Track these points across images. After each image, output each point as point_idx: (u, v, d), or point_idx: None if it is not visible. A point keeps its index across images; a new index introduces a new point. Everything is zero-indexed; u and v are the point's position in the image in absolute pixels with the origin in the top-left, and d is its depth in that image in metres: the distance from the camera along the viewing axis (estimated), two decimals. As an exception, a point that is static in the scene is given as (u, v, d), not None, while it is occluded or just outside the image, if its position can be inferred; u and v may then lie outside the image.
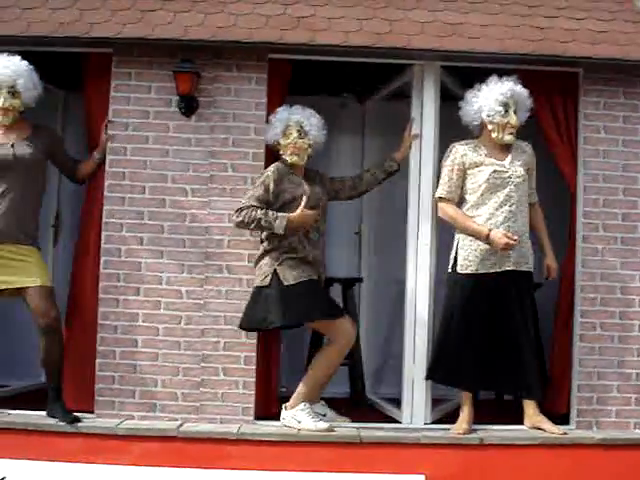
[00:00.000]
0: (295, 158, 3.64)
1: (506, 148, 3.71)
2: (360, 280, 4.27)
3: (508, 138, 3.64)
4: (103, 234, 3.71)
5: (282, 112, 3.67)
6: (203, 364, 3.68)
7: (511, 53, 3.67)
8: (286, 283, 3.52)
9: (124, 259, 3.70)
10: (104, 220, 3.72)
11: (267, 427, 3.61)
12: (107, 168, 3.73)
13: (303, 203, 3.51)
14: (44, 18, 3.71)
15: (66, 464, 3.40)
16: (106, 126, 3.74)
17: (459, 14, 3.87)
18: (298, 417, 3.60)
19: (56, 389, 3.60)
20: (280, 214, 3.50)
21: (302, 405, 3.62)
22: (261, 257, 3.61)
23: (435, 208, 3.76)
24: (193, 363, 3.69)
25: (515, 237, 3.50)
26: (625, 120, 3.79)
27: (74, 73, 3.98)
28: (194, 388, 3.68)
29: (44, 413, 3.61)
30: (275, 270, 3.55)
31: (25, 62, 3.54)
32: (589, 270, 3.75)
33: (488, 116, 3.61)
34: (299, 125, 3.63)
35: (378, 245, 4.63)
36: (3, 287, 3.49)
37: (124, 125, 3.74)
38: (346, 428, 3.63)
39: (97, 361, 3.67)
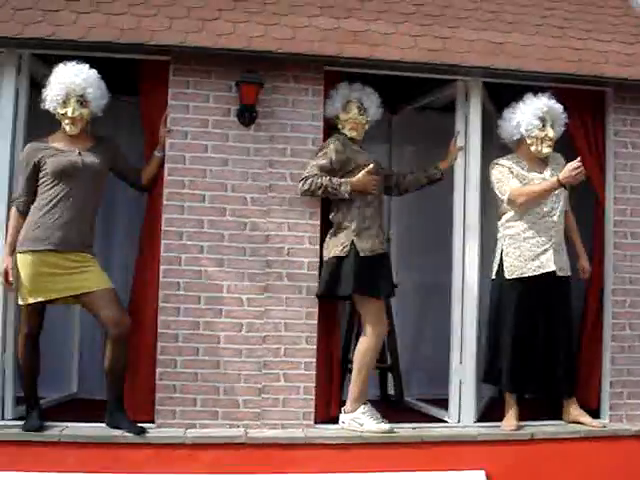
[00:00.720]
0: (354, 133, 3.80)
1: (543, 161, 3.96)
2: (395, 286, 4.43)
3: (546, 151, 3.89)
4: (163, 242, 3.70)
5: (343, 88, 3.84)
6: (264, 370, 3.74)
7: (554, 73, 3.92)
8: (362, 254, 3.66)
9: (184, 267, 3.71)
10: (163, 229, 3.71)
11: (330, 431, 3.72)
12: (166, 176, 3.72)
13: (367, 168, 3.67)
14: (102, 23, 3.65)
15: (136, 476, 3.39)
16: (165, 120, 3.72)
17: (501, 34, 4.08)
18: (360, 420, 3.72)
19: (119, 399, 3.57)
20: (343, 179, 3.65)
21: (362, 408, 3.74)
22: (337, 229, 3.74)
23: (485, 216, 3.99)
24: (254, 370, 3.74)
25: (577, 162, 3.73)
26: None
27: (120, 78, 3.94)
28: (255, 395, 3.73)
29: (102, 424, 3.58)
30: (353, 241, 3.67)
31: (94, 71, 3.50)
32: (620, 275, 4.06)
33: (527, 130, 3.85)
34: (359, 102, 3.81)
35: (406, 251, 4.79)
36: (68, 294, 3.44)
37: (183, 133, 3.74)
38: (403, 429, 3.78)
39: (158, 370, 3.66)
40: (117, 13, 3.72)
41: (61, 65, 3.50)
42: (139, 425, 3.53)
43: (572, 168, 3.71)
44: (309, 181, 3.66)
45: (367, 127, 3.87)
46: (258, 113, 3.77)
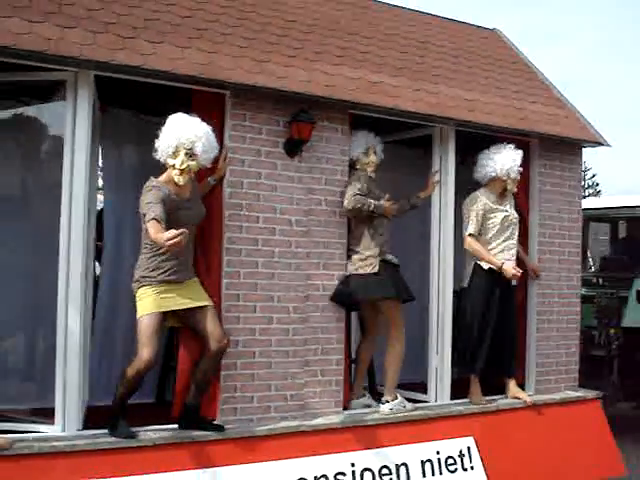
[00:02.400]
0: (373, 174, 4.65)
1: (505, 196, 5.10)
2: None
3: (515, 189, 5.05)
4: (225, 258, 4.13)
5: (365, 135, 4.68)
6: (306, 368, 4.36)
7: (515, 128, 5.09)
8: (386, 267, 4.52)
9: (243, 281, 4.18)
10: (225, 246, 4.14)
11: (363, 415, 4.48)
12: (227, 199, 4.15)
13: (387, 196, 4.57)
14: (175, 56, 3.95)
15: (225, 468, 3.83)
16: (226, 155, 4.13)
17: (469, 92, 5.14)
18: (403, 403, 4.57)
19: (199, 405, 3.95)
20: (377, 202, 4.50)
21: (400, 398, 4.58)
22: (362, 249, 4.53)
23: (457, 238, 5.00)
24: (298, 368, 4.34)
25: (520, 270, 4.92)
26: (562, 178, 5.50)
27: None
28: (299, 389, 4.34)
29: (173, 426, 3.93)
30: (377, 257, 4.51)
31: (205, 124, 3.81)
32: (544, 282, 5.37)
33: (507, 172, 4.95)
34: (375, 148, 4.61)
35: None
36: (185, 307, 3.81)
37: (241, 161, 4.20)
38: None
39: (222, 373, 4.08)
40: (182, 46, 4.04)
41: (173, 116, 3.79)
42: (219, 424, 3.96)
43: (513, 273, 4.85)
44: (360, 200, 4.38)
45: None
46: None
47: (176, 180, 3.78)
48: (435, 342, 4.98)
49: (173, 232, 3.35)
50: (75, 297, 3.77)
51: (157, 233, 3.48)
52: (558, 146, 5.46)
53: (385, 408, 4.55)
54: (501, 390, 5.14)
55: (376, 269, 4.47)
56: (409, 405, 4.62)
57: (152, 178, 3.82)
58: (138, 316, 3.78)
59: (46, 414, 4.02)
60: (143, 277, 3.81)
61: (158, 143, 3.79)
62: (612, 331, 6.86)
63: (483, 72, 5.51)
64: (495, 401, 5.00)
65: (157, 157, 3.82)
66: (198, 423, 3.93)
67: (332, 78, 4.49)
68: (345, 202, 4.43)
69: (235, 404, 4.13)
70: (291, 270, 4.34)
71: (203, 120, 4.04)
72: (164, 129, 3.80)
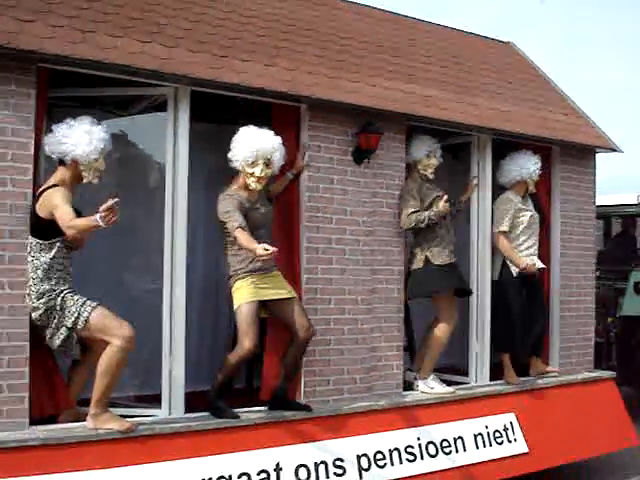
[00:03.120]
0: (432, 175, 5.11)
1: (525, 197, 5.66)
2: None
3: (534, 190, 5.63)
4: (304, 256, 4.59)
5: (428, 139, 5.15)
6: (372, 353, 4.86)
7: (537, 136, 5.65)
8: (437, 263, 4.99)
9: (319, 276, 4.64)
10: (305, 245, 4.59)
11: (416, 395, 5.00)
12: (306, 202, 4.60)
13: (445, 198, 4.98)
14: (262, 74, 4.38)
15: (317, 442, 4.30)
16: (304, 154, 4.59)
17: (502, 103, 5.69)
18: (431, 384, 5.06)
19: (287, 389, 4.40)
20: (431, 211, 4.95)
21: (432, 375, 5.08)
22: (420, 247, 5.04)
23: (491, 235, 5.54)
24: (366, 354, 4.83)
25: (540, 265, 5.51)
26: (579, 181, 6.11)
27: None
28: (366, 373, 4.83)
29: (263, 408, 4.38)
30: (427, 255, 5.00)
31: (278, 137, 4.26)
32: (565, 274, 5.97)
33: (531, 176, 5.52)
34: (436, 152, 5.11)
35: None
36: (278, 297, 4.25)
37: (317, 168, 4.65)
38: (458, 390, 5.20)
39: (304, 359, 4.54)
40: (268, 64, 4.47)
41: (246, 128, 4.23)
42: (305, 404, 4.42)
43: (534, 269, 5.45)
44: (412, 218, 4.87)
45: None
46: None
47: (253, 187, 4.23)
48: (475, 329, 5.53)
49: (266, 248, 3.81)
50: (179, 295, 4.18)
51: (250, 243, 3.94)
52: (576, 152, 6.05)
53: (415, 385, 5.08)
54: (525, 372, 5.72)
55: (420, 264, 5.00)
56: (438, 387, 5.06)
57: (226, 188, 4.27)
58: (236, 306, 4.20)
59: (145, 400, 4.46)
60: (235, 271, 4.24)
61: (234, 153, 4.21)
62: (610, 320, 7.55)
63: (509, 84, 6.08)
64: (528, 382, 5.59)
65: (233, 165, 4.24)
66: (287, 404, 4.38)
67: (392, 93, 4.98)
68: (401, 223, 4.93)
69: (314, 387, 4.59)
70: (359, 266, 4.82)
71: (279, 130, 4.49)
72: (240, 140, 4.21)
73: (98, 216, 3.39)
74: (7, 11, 3.68)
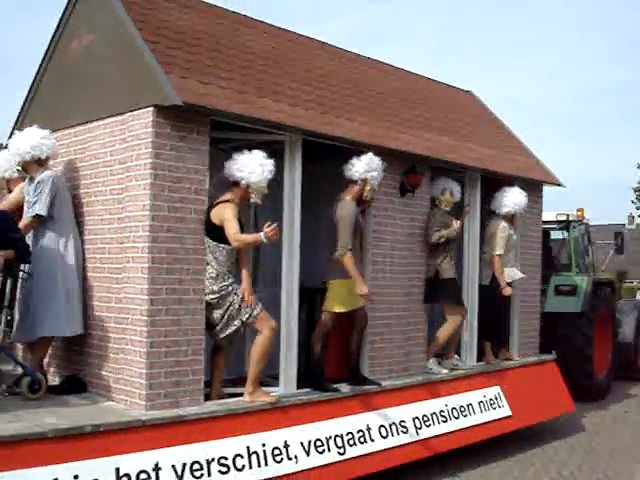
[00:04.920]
0: (447, 208, 6.61)
1: (513, 223, 7.32)
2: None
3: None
4: (369, 267, 5.93)
5: (445, 180, 6.62)
6: (408, 342, 6.30)
7: (516, 175, 7.36)
8: (446, 276, 6.49)
9: (377, 283, 6.00)
10: (371, 259, 5.93)
11: (439, 374, 6.50)
12: (372, 226, 5.94)
13: (458, 223, 6.53)
14: (346, 126, 5.68)
15: (387, 409, 5.66)
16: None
17: (489, 149, 7.34)
18: (429, 366, 6.56)
19: (359, 367, 5.72)
20: (449, 230, 6.43)
21: (432, 359, 6.58)
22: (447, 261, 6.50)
23: (480, 251, 7.17)
24: (404, 342, 6.26)
25: (520, 275, 7.23)
26: (532, 208, 7.91)
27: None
28: (405, 357, 6.26)
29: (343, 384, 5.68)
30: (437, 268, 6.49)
31: (377, 158, 5.56)
32: (524, 281, 7.74)
33: (519, 207, 7.17)
34: (451, 189, 6.62)
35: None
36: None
37: (377, 199, 5.98)
38: (455, 370, 6.76)
39: (369, 339, 5.87)
40: (352, 119, 5.77)
41: (371, 155, 5.52)
42: (375, 380, 5.77)
43: (509, 293, 7.11)
44: (438, 236, 6.35)
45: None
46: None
47: (369, 197, 5.62)
48: (465, 324, 7.13)
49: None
50: (293, 293, 5.37)
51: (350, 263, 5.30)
52: (530, 186, 7.83)
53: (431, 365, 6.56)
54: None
55: (452, 274, 6.52)
56: (435, 369, 6.52)
57: (347, 198, 5.55)
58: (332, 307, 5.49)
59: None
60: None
61: (359, 166, 5.52)
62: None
63: (484, 131, 7.76)
64: (501, 364, 7.28)
65: (351, 176, 5.57)
66: (363, 381, 5.71)
67: (423, 142, 6.45)
68: (429, 238, 6.39)
69: (372, 367, 5.96)
70: (402, 275, 6.25)
71: None
72: (364, 159, 5.52)
73: (263, 235, 4.56)
74: (193, 75, 4.72)
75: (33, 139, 5.00)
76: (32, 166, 5.04)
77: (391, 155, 6.00)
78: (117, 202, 4.78)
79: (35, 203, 4.89)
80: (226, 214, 4.74)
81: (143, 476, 4.07)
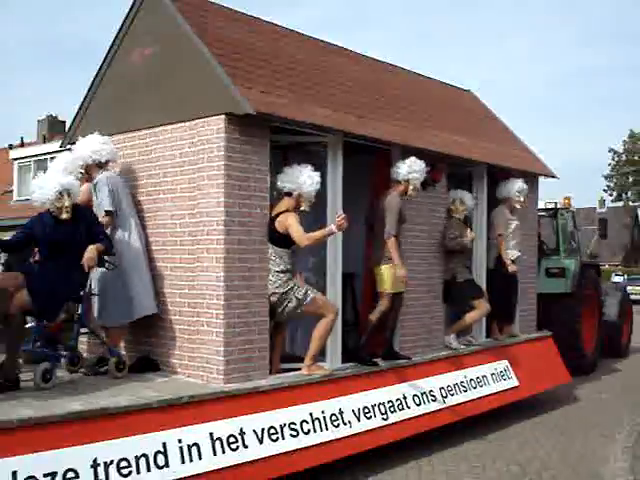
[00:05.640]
0: (461, 216, 7.29)
1: (514, 210, 8.05)
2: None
3: (519, 206, 8.04)
4: (398, 254, 6.59)
5: (455, 191, 7.28)
6: (431, 321, 6.98)
7: (518, 169, 8.08)
8: (461, 279, 7.19)
9: (407, 267, 6.66)
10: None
11: (459, 349, 7.20)
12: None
13: (472, 234, 7.22)
14: (378, 127, 6.30)
15: (417, 380, 6.34)
16: None
17: (496, 145, 8.04)
18: (450, 341, 7.26)
19: (392, 344, 6.38)
20: (463, 241, 7.13)
21: (452, 335, 7.29)
22: (456, 265, 7.17)
23: (487, 237, 7.88)
24: (429, 321, 6.94)
25: (518, 254, 7.97)
26: (530, 198, 8.65)
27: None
28: (428, 334, 6.94)
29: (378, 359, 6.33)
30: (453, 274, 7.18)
31: (420, 162, 6.23)
32: (523, 263, 8.49)
33: (519, 195, 7.89)
34: (462, 199, 7.29)
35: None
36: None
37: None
38: (472, 346, 7.48)
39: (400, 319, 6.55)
40: (383, 121, 6.40)
41: (414, 159, 6.18)
42: (406, 355, 6.44)
43: (514, 270, 7.85)
44: (455, 243, 7.03)
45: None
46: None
47: (413, 195, 6.33)
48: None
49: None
50: (337, 277, 6.00)
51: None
52: (528, 178, 8.58)
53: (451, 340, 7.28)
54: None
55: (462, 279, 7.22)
56: (454, 344, 7.28)
57: (394, 192, 6.21)
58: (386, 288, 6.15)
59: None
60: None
61: (405, 170, 6.22)
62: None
63: (486, 128, 8.47)
64: (506, 340, 8.03)
65: (397, 175, 6.26)
66: (395, 356, 6.37)
67: (441, 140, 7.11)
68: (446, 244, 7.07)
69: (402, 344, 6.63)
70: (424, 260, 6.92)
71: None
72: (409, 163, 6.22)
73: (334, 225, 5.19)
74: (254, 85, 5.28)
75: (94, 144, 5.53)
76: (93, 169, 5.56)
77: (415, 153, 6.64)
78: (188, 199, 5.34)
79: (100, 202, 5.42)
80: (289, 221, 5.32)
81: (232, 439, 4.67)
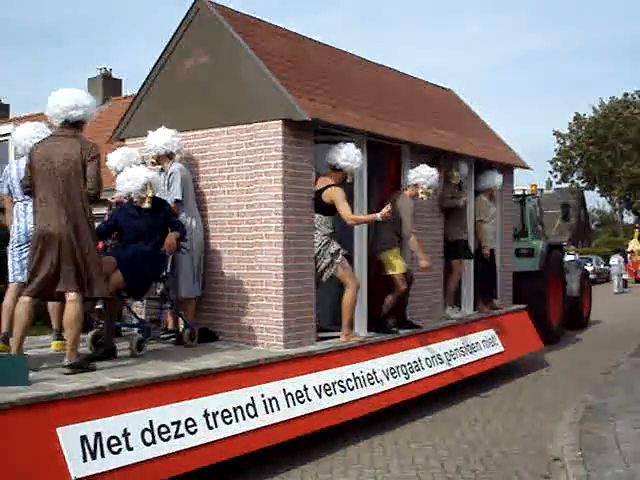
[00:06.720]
0: (456, 181, 8.33)
1: (492, 197, 9.16)
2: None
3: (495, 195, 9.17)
4: (409, 238, 7.58)
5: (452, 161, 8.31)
6: (433, 294, 8.02)
7: (495, 161, 9.17)
8: (450, 239, 8.28)
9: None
10: (409, 231, 7.58)
11: (455, 319, 8.27)
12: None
13: (464, 198, 8.31)
14: (392, 128, 7.25)
15: (423, 347, 7.36)
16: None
17: (478, 139, 9.11)
18: (449, 312, 8.34)
19: (406, 315, 7.39)
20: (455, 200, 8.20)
21: (449, 307, 8.37)
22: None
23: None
24: (430, 295, 7.98)
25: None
26: (507, 187, 9.78)
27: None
28: (430, 307, 7.98)
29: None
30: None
31: (428, 168, 7.18)
32: (504, 244, 9.63)
33: (498, 186, 9.01)
34: (456, 166, 8.34)
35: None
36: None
37: (413, 184, 7.63)
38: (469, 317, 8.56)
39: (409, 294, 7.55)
40: (395, 122, 7.34)
41: (423, 165, 7.11)
42: (417, 324, 7.45)
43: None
44: (451, 202, 8.10)
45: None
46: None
47: (425, 198, 7.19)
48: (464, 280, 8.93)
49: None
50: (362, 256, 6.94)
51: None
52: (505, 169, 9.69)
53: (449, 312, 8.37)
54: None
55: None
56: (453, 314, 8.40)
57: (405, 193, 7.15)
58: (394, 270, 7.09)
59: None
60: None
61: (415, 177, 7.16)
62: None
63: (469, 125, 9.54)
64: (489, 312, 9.16)
65: (411, 180, 7.20)
66: (409, 325, 7.38)
67: (439, 137, 8.12)
68: (442, 203, 8.12)
69: (410, 315, 7.64)
70: (428, 240, 7.93)
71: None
72: (420, 170, 7.16)
73: (379, 215, 6.12)
74: (303, 94, 6.15)
75: (166, 137, 6.27)
76: (164, 159, 6.31)
77: (421, 150, 7.64)
78: (245, 192, 6.17)
79: (172, 190, 6.18)
80: (338, 197, 6.21)
81: (299, 394, 5.58)
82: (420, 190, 7.22)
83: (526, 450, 5.84)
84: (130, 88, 25.99)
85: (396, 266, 7.13)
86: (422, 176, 7.22)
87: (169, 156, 6.32)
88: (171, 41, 6.70)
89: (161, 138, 6.27)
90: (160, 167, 6.35)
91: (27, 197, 5.32)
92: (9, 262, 5.72)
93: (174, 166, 6.25)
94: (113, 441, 4.19)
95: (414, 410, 6.89)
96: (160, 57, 6.79)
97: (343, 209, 6.24)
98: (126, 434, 4.27)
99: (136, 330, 5.84)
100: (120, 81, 24.11)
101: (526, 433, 6.36)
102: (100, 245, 6.06)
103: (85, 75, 44.74)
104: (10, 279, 5.71)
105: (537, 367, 9.60)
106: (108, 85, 22.92)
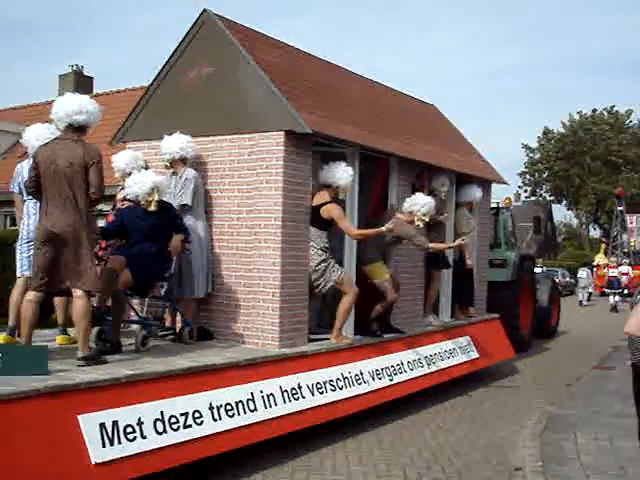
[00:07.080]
0: (441, 196, 8.75)
1: (472, 210, 9.60)
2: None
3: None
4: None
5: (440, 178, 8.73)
6: (415, 300, 8.41)
7: (476, 176, 9.62)
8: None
9: (398, 258, 8.03)
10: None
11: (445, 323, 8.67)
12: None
13: (446, 214, 8.73)
14: (383, 142, 7.63)
15: (408, 350, 7.74)
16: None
17: (456, 153, 9.54)
18: (430, 319, 8.75)
19: (389, 319, 7.75)
20: (439, 215, 8.63)
21: (431, 315, 8.78)
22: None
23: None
24: (412, 300, 8.36)
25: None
26: (485, 200, 10.24)
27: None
28: (418, 312, 8.37)
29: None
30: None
31: (422, 196, 7.56)
32: (480, 256, 10.07)
33: (477, 199, 9.45)
34: (442, 182, 8.75)
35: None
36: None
37: (396, 195, 8.00)
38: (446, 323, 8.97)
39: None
40: (388, 136, 7.72)
41: (418, 194, 7.48)
42: (398, 328, 7.82)
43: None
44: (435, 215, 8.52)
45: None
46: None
47: (421, 225, 7.57)
48: (442, 289, 9.34)
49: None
50: (351, 263, 7.29)
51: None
52: (484, 183, 10.15)
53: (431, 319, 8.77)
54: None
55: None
56: (435, 321, 8.81)
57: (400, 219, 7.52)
58: (381, 279, 7.44)
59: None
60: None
61: (405, 208, 7.56)
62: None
63: (451, 140, 9.97)
64: (465, 320, 9.58)
65: (405, 210, 7.58)
66: (392, 330, 7.74)
67: (427, 152, 8.53)
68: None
69: (393, 321, 8.00)
70: (411, 251, 8.31)
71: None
72: (416, 200, 7.52)
73: (385, 227, 6.47)
74: (302, 108, 6.48)
75: (182, 142, 6.54)
76: (179, 164, 6.58)
77: (408, 162, 8.04)
78: (246, 198, 6.48)
79: (182, 195, 6.45)
80: (337, 213, 6.56)
81: (294, 391, 5.89)
82: (416, 218, 7.58)
83: (488, 459, 5.86)
84: (101, 87, 26.07)
85: (381, 274, 7.48)
86: (417, 204, 7.58)
87: (183, 160, 6.59)
88: (175, 51, 6.98)
89: (177, 143, 6.54)
90: (172, 170, 6.63)
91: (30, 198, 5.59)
92: (17, 257, 5.93)
93: (189, 172, 6.53)
94: (129, 429, 4.46)
95: (377, 416, 6.91)
96: (163, 66, 7.05)
97: (347, 226, 6.63)
98: (140, 423, 4.54)
99: (137, 327, 6.09)
100: (92, 79, 24.24)
101: (488, 442, 6.38)
102: (102, 244, 6.32)
103: (56, 71, 44.34)
104: (18, 274, 5.92)
105: (501, 376, 9.73)
106: (79, 82, 22.99)
